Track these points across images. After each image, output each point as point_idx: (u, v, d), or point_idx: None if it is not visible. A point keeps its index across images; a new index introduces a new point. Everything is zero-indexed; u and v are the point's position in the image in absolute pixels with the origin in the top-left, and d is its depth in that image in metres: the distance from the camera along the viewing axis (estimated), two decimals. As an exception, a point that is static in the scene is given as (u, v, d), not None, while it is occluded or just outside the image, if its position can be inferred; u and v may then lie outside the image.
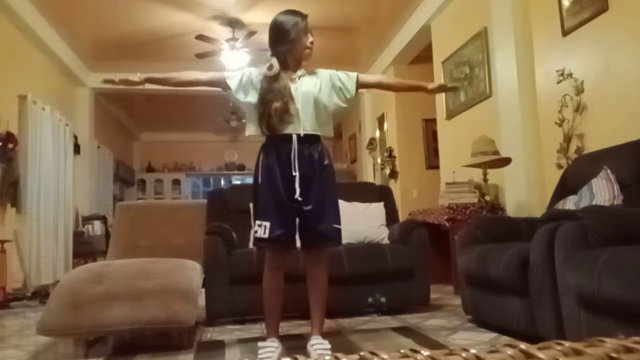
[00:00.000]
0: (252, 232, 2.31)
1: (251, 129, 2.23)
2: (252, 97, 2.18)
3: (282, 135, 2.14)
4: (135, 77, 2.16)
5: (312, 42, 2.20)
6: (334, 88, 2.24)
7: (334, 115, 2.28)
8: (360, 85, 2.29)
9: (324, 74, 2.27)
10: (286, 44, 2.17)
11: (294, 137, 2.13)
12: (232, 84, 2.20)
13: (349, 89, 2.25)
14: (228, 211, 3.49)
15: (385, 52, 6.82)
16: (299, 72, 2.22)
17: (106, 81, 2.18)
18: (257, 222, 2.13)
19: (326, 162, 2.21)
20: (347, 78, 2.27)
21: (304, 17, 2.21)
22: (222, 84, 2.22)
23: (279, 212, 2.11)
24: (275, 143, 2.16)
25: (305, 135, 2.14)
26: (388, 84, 2.55)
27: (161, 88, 7.93)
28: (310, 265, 2.24)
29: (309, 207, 2.13)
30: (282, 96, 2.12)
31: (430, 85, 2.37)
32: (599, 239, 1.89)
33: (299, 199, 2.11)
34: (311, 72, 2.25)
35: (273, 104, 2.10)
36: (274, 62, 2.19)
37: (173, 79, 2.24)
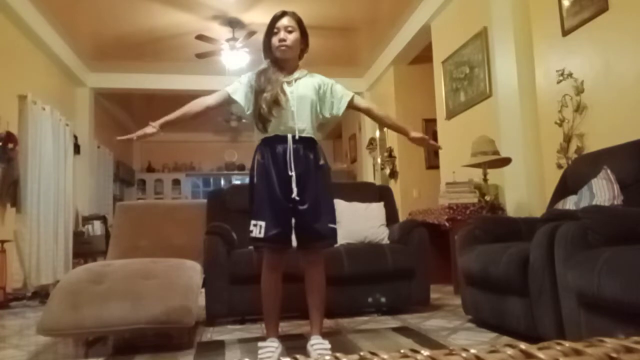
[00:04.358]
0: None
1: (256, 133, 2.23)
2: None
3: (278, 136, 2.15)
4: (151, 128, 2.11)
5: (281, 40, 2.16)
6: (325, 97, 2.24)
7: (320, 122, 2.28)
8: (351, 106, 2.28)
9: (322, 79, 2.27)
10: (264, 44, 2.22)
11: (289, 137, 2.14)
12: (239, 97, 2.19)
13: (339, 107, 2.25)
14: (228, 211, 3.49)
15: (385, 52, 6.82)
16: (296, 75, 2.22)
17: (121, 140, 2.11)
18: (253, 221, 2.13)
19: (322, 162, 2.21)
20: (342, 94, 2.26)
21: (280, 14, 2.20)
22: (229, 100, 2.21)
23: (275, 212, 2.11)
24: (271, 143, 2.16)
25: (300, 136, 2.15)
26: (376, 115, 2.41)
27: (161, 88, 7.87)
28: (308, 266, 2.24)
29: (304, 207, 2.13)
30: (272, 88, 2.12)
31: (413, 134, 2.31)
32: (599, 239, 1.89)
33: (297, 198, 2.11)
34: (308, 75, 2.25)
35: (263, 94, 2.12)
36: (266, 62, 2.24)
37: (187, 114, 2.19)
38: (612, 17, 3.02)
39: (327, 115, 2.26)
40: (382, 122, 2.54)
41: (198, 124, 10.50)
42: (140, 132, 2.11)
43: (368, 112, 2.40)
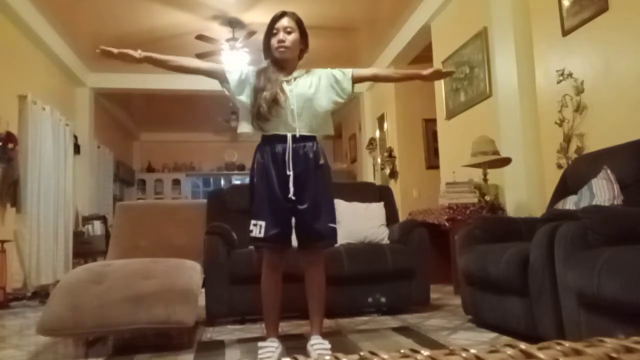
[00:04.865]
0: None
1: (243, 127, 2.24)
2: (247, 96, 2.18)
3: (277, 135, 2.15)
4: (136, 53, 2.14)
5: (280, 41, 2.16)
6: (330, 86, 2.24)
7: (333, 111, 2.28)
8: (356, 80, 2.28)
9: (320, 73, 2.27)
10: (264, 44, 2.23)
11: (289, 136, 2.14)
12: (231, 78, 2.20)
13: (344, 88, 2.25)
14: (228, 211, 3.49)
15: (385, 52, 6.82)
16: (295, 74, 2.22)
17: (103, 51, 2.12)
18: (253, 221, 2.13)
19: (321, 161, 2.20)
20: (343, 76, 2.26)
21: (279, 15, 2.21)
22: (221, 76, 2.22)
23: (274, 212, 2.12)
24: (270, 143, 2.17)
25: (300, 135, 2.15)
26: (384, 76, 2.55)
27: (160, 88, 7.84)
28: (308, 266, 2.24)
29: (304, 206, 2.13)
30: (272, 87, 2.12)
31: (425, 72, 2.29)
32: (599, 239, 1.89)
33: (293, 198, 2.11)
34: (307, 73, 2.25)
35: (263, 93, 2.12)
36: (266, 61, 2.25)
37: (173, 62, 2.22)
38: (612, 17, 3.02)
39: (340, 100, 2.26)
40: (391, 79, 2.64)
41: (198, 124, 10.51)
42: (124, 50, 2.14)
43: (376, 77, 2.59)
